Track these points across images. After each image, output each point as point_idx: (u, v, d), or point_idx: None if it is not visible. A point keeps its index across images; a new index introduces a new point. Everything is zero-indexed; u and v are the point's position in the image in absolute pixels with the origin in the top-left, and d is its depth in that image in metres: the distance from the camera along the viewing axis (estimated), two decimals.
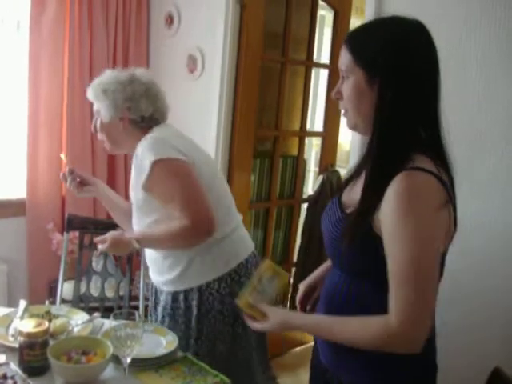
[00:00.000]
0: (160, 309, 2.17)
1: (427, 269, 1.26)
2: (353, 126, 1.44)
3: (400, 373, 1.41)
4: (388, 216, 1.27)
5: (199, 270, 2.06)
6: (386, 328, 1.27)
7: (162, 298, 2.16)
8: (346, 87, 1.38)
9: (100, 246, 2.05)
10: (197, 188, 1.96)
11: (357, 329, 1.33)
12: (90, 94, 2.12)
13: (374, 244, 1.32)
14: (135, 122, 2.10)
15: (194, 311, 2.06)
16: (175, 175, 1.96)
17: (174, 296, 2.10)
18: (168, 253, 2.07)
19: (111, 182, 3.64)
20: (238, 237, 2.16)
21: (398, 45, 1.31)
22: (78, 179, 2.22)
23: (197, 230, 1.94)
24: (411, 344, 1.28)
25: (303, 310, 1.71)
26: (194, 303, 2.06)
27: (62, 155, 2.51)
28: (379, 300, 1.33)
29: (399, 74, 1.30)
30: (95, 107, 2.13)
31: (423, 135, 1.35)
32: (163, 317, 2.14)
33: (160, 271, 2.13)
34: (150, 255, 2.16)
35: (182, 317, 2.09)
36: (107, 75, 2.11)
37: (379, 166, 1.33)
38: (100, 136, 2.15)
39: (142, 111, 2.08)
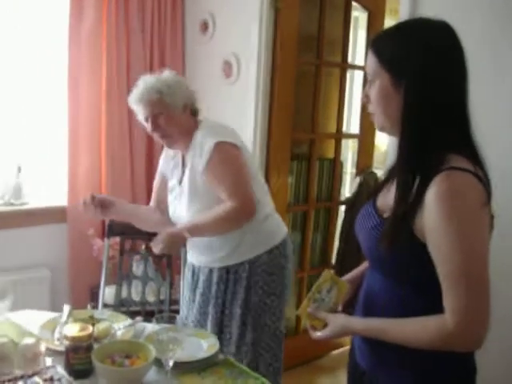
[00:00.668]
0: (200, 290, 2.36)
1: (479, 266, 1.25)
2: (380, 128, 1.45)
3: (440, 374, 1.40)
4: (432, 219, 1.26)
5: (250, 245, 2.27)
6: (444, 328, 1.26)
7: (214, 275, 2.32)
8: (373, 90, 1.39)
9: (155, 250, 2.15)
10: (245, 173, 2.20)
11: (415, 330, 1.32)
12: (152, 93, 2.20)
13: (415, 248, 1.31)
14: (192, 114, 2.30)
15: (244, 282, 2.27)
16: (232, 159, 2.19)
17: (226, 270, 2.30)
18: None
19: (150, 190, 3.68)
20: (277, 217, 2.41)
21: (422, 47, 1.30)
22: (100, 205, 2.27)
23: (243, 212, 2.15)
24: (471, 342, 1.28)
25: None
26: (244, 275, 2.27)
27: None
28: (420, 303, 1.35)
29: (424, 77, 1.29)
30: (154, 105, 2.20)
31: (454, 136, 1.34)
32: (209, 292, 2.33)
33: (212, 250, 2.29)
34: (199, 240, 2.29)
35: (232, 288, 2.30)
36: (153, 78, 2.25)
37: (409, 168, 1.33)
38: (163, 133, 2.24)
39: (197, 104, 2.32)
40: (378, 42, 1.39)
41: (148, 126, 2.25)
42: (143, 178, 3.66)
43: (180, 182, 2.33)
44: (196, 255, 2.40)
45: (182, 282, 2.62)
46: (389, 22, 3.84)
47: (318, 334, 1.52)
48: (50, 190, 3.51)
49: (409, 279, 1.38)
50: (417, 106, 1.30)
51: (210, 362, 1.80)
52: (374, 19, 3.78)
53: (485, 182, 1.30)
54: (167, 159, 2.44)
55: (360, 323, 1.47)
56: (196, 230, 2.21)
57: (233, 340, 2.29)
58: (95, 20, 3.31)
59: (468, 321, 1.24)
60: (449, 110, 1.32)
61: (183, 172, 2.32)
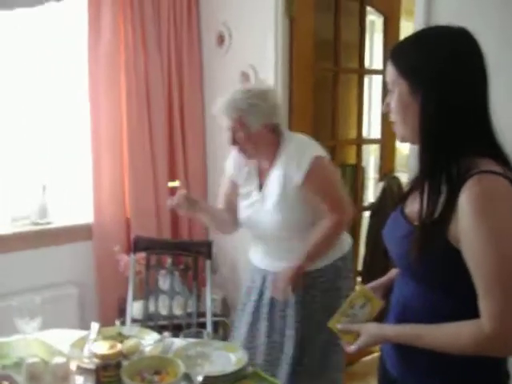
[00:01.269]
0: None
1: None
2: (401, 138, 1.45)
3: (472, 380, 1.39)
4: (465, 223, 1.26)
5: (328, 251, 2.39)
6: (481, 333, 1.26)
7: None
8: (393, 100, 1.40)
9: (280, 296, 2.24)
10: (342, 186, 2.39)
11: (450, 335, 1.32)
12: (232, 110, 2.26)
13: (449, 254, 1.31)
14: (273, 129, 2.33)
15: (320, 287, 2.38)
16: (332, 172, 2.37)
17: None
18: (303, 239, 2.31)
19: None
20: None
21: (439, 55, 1.31)
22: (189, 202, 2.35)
23: (347, 222, 2.37)
24: (507, 348, 1.27)
25: None
26: (320, 280, 2.38)
27: (172, 183, 2.49)
28: (452, 307, 1.35)
29: (441, 84, 1.30)
30: (234, 122, 2.27)
31: (477, 140, 1.34)
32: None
33: (292, 257, 2.32)
34: (280, 245, 2.39)
35: (312, 292, 2.38)
36: (240, 91, 2.30)
37: (433, 177, 1.34)
38: (241, 147, 2.32)
39: (279, 118, 2.36)
40: (397, 51, 1.40)
41: (228, 137, 2.33)
42: (166, 191, 3.67)
43: (260, 189, 2.40)
44: (271, 261, 2.45)
45: (208, 295, 2.62)
46: (404, 24, 3.82)
47: (353, 348, 1.51)
48: (74, 207, 3.55)
49: (441, 284, 1.38)
50: (433, 113, 1.31)
51: (238, 376, 1.80)
52: (389, 22, 3.77)
53: None
54: (239, 166, 2.49)
55: (392, 330, 1.46)
56: (312, 256, 2.31)
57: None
58: (113, 38, 3.35)
59: (505, 326, 1.24)
60: (469, 116, 1.32)
61: (262, 180, 2.40)
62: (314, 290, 2.39)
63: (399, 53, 1.39)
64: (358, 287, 1.63)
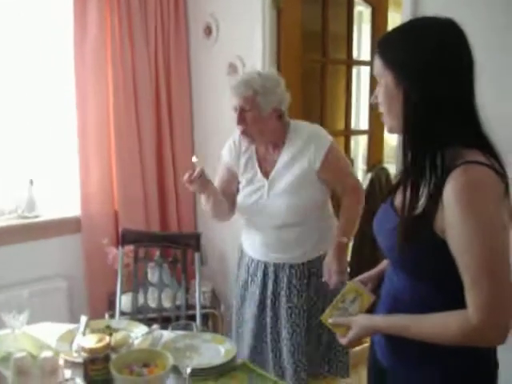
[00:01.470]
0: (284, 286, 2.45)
1: (500, 259, 1.25)
2: (389, 129, 1.45)
3: (461, 369, 1.40)
4: (451, 213, 1.27)
5: (325, 238, 2.46)
6: (468, 324, 1.27)
7: (296, 271, 2.44)
8: (380, 91, 1.41)
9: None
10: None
11: (438, 325, 1.34)
12: (247, 89, 2.28)
13: (436, 245, 1.32)
14: (280, 116, 2.38)
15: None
16: (343, 155, 2.56)
17: (306, 265, 2.45)
18: (305, 226, 2.41)
19: (161, 197, 3.71)
20: None
21: (426, 47, 1.31)
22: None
23: (363, 201, 2.52)
24: (494, 337, 1.29)
25: None
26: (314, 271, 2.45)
27: (194, 158, 2.43)
28: (441, 299, 1.36)
29: (428, 75, 1.30)
30: (246, 101, 2.29)
31: (464, 131, 1.34)
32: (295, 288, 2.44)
33: (298, 245, 2.42)
34: (280, 235, 2.42)
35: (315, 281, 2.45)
36: (256, 73, 2.35)
37: (417, 168, 1.35)
38: (246, 129, 2.34)
39: (286, 107, 2.40)
40: (383, 43, 1.41)
41: (235, 117, 2.34)
42: (155, 187, 3.67)
43: (263, 175, 2.43)
44: (270, 253, 2.46)
45: (197, 287, 2.63)
46: (393, 16, 3.82)
47: (344, 340, 1.53)
48: (62, 201, 3.53)
49: (430, 276, 1.39)
50: (418, 103, 1.31)
51: (227, 368, 1.80)
52: (377, 13, 3.76)
53: (502, 173, 1.30)
54: (236, 154, 2.51)
55: (382, 321, 1.48)
56: (349, 232, 2.46)
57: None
58: (99, 33, 3.32)
59: (491, 316, 1.25)
60: (454, 107, 1.32)
61: (265, 166, 2.44)
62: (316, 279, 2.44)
63: (385, 44, 1.40)
64: (348, 282, 1.65)
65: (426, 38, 1.32)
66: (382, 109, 1.43)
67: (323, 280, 2.37)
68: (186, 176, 2.29)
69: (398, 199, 1.47)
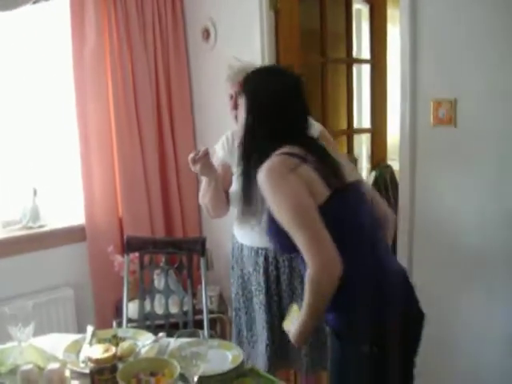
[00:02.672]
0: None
1: (307, 217, 1.57)
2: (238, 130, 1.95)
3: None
4: (264, 195, 1.66)
5: None
6: (311, 279, 1.56)
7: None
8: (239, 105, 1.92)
9: None
10: None
11: (308, 299, 1.60)
12: (240, 74, 2.24)
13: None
14: None
15: None
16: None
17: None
18: None
19: (165, 202, 3.70)
20: None
21: (253, 85, 1.87)
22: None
23: None
24: (330, 277, 1.54)
25: None
26: None
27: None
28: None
29: (254, 99, 1.83)
30: (239, 87, 2.25)
31: (285, 132, 1.77)
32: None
33: None
34: None
35: None
36: (250, 62, 2.42)
37: (245, 155, 1.85)
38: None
39: None
40: (246, 77, 1.91)
41: (230, 104, 2.40)
42: (158, 191, 3.66)
43: None
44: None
45: (203, 293, 2.61)
46: (392, 13, 3.80)
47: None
48: (66, 210, 3.53)
49: (295, 250, 1.64)
50: (249, 121, 1.83)
51: (235, 374, 1.79)
52: (376, 10, 3.75)
53: (309, 160, 1.66)
54: (229, 149, 2.56)
55: (293, 324, 1.76)
56: None
57: None
58: (97, 39, 3.31)
59: (319, 265, 1.53)
60: (268, 126, 1.78)
61: None
62: None
63: (246, 78, 1.90)
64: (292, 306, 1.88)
65: (254, 79, 1.89)
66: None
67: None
68: (191, 155, 2.32)
69: None
